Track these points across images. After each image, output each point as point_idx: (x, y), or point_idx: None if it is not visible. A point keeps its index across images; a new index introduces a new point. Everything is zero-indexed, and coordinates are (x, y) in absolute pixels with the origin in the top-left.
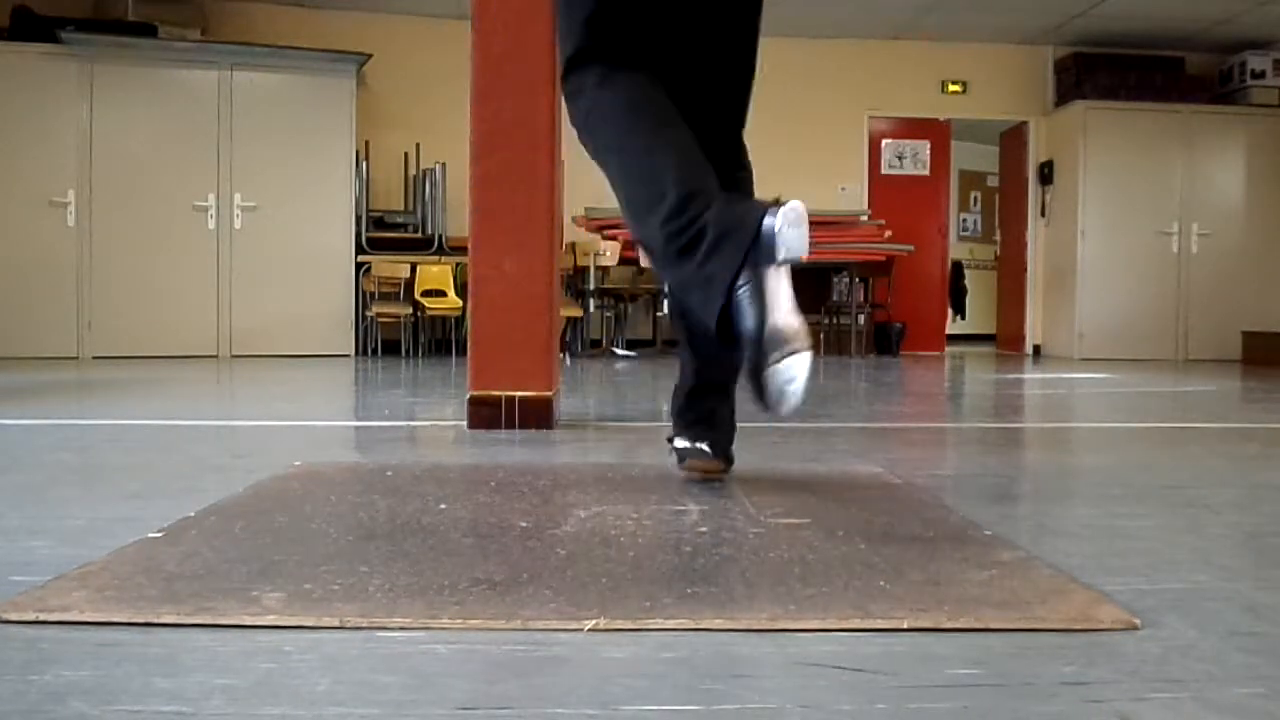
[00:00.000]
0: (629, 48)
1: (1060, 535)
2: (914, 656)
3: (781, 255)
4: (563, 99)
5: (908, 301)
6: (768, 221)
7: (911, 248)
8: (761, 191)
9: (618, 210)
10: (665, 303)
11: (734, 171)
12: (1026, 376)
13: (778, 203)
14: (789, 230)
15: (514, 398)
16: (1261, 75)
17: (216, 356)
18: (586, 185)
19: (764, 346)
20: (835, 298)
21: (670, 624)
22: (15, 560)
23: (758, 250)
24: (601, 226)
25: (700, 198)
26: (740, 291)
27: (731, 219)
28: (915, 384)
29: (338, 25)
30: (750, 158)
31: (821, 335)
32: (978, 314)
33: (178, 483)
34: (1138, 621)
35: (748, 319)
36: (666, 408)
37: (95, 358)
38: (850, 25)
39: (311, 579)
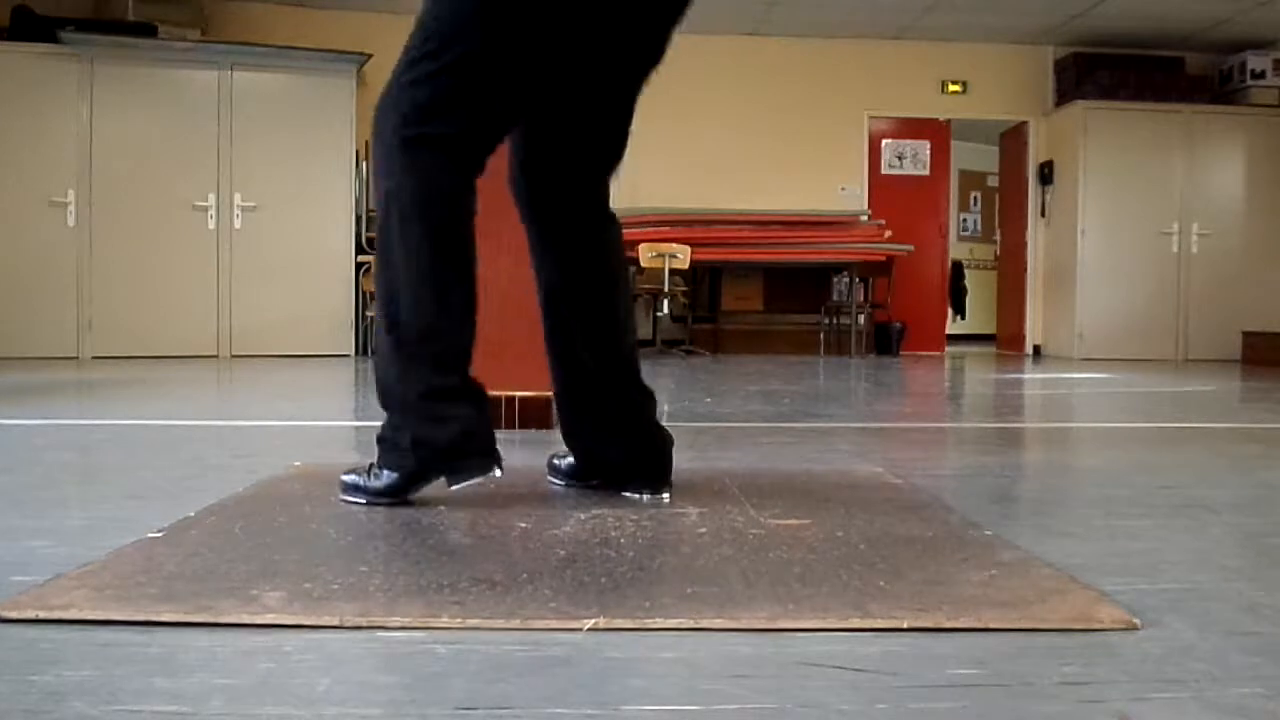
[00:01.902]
0: (505, 111)
1: (1060, 535)
2: (914, 656)
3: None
4: (391, 132)
5: (908, 301)
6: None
7: (911, 248)
8: (761, 192)
9: (617, 210)
10: (665, 304)
11: (601, 223)
12: (1026, 376)
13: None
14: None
15: (514, 398)
16: (1261, 75)
17: (216, 356)
18: None
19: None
20: (835, 298)
21: (670, 624)
22: (15, 560)
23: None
24: None
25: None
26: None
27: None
28: (915, 384)
29: (338, 25)
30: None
31: (821, 335)
32: (978, 314)
33: (178, 483)
34: (1138, 621)
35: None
36: (668, 408)
37: (95, 358)
38: (850, 25)
39: (311, 579)
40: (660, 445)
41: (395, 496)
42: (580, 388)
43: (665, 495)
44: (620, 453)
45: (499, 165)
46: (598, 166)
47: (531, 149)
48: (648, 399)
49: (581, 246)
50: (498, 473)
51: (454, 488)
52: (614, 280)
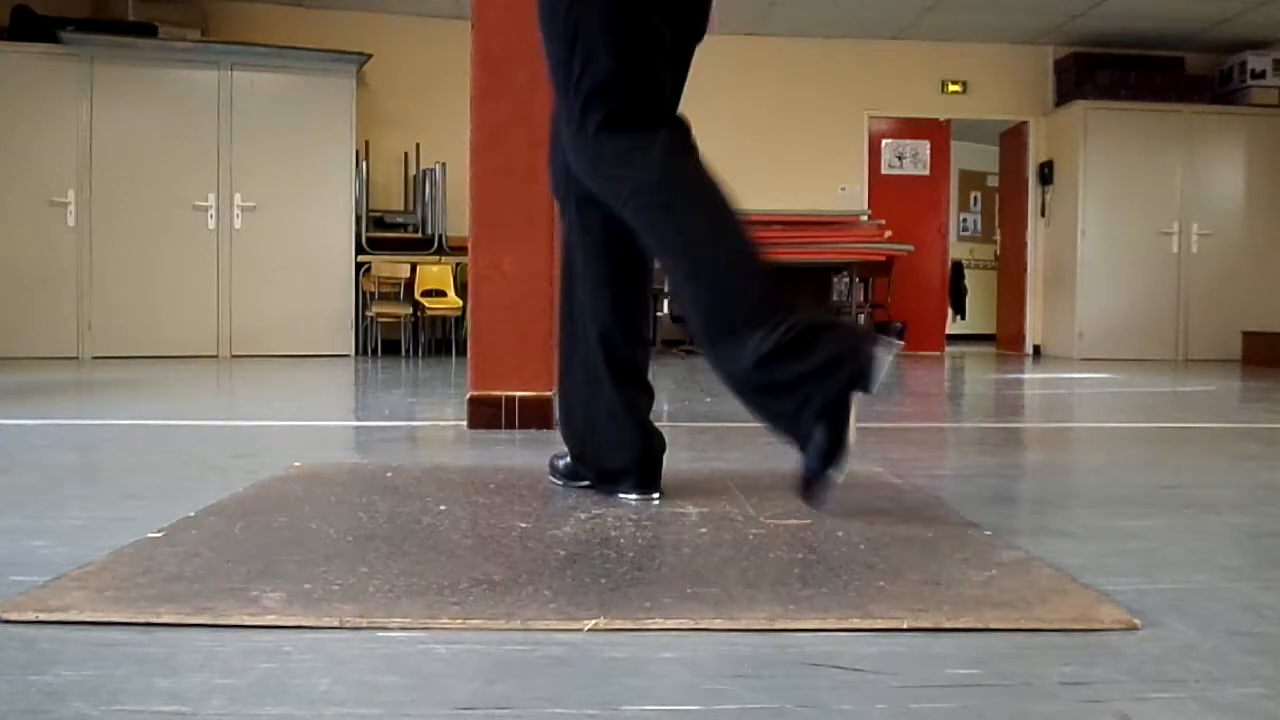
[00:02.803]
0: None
1: (1060, 535)
2: (914, 656)
3: (873, 389)
4: (592, 136)
5: (908, 301)
6: (878, 356)
7: (911, 248)
8: (761, 192)
9: None
10: (666, 304)
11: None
12: (1026, 376)
13: (879, 333)
14: (885, 366)
15: (514, 398)
16: (1261, 75)
17: (216, 356)
18: None
19: (831, 461)
20: (835, 298)
21: (670, 624)
22: (15, 560)
23: (858, 382)
24: None
25: (789, 308)
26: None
27: (843, 344)
28: (915, 384)
29: (338, 25)
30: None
31: None
32: (978, 314)
33: (178, 483)
34: (1138, 621)
35: (821, 435)
36: (667, 408)
37: (95, 358)
38: (850, 25)
39: (311, 579)
40: (652, 447)
41: (838, 445)
42: (585, 382)
43: (655, 496)
44: (613, 453)
45: (504, 165)
46: None
47: None
48: (648, 399)
49: (618, 246)
50: (892, 350)
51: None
52: (645, 278)
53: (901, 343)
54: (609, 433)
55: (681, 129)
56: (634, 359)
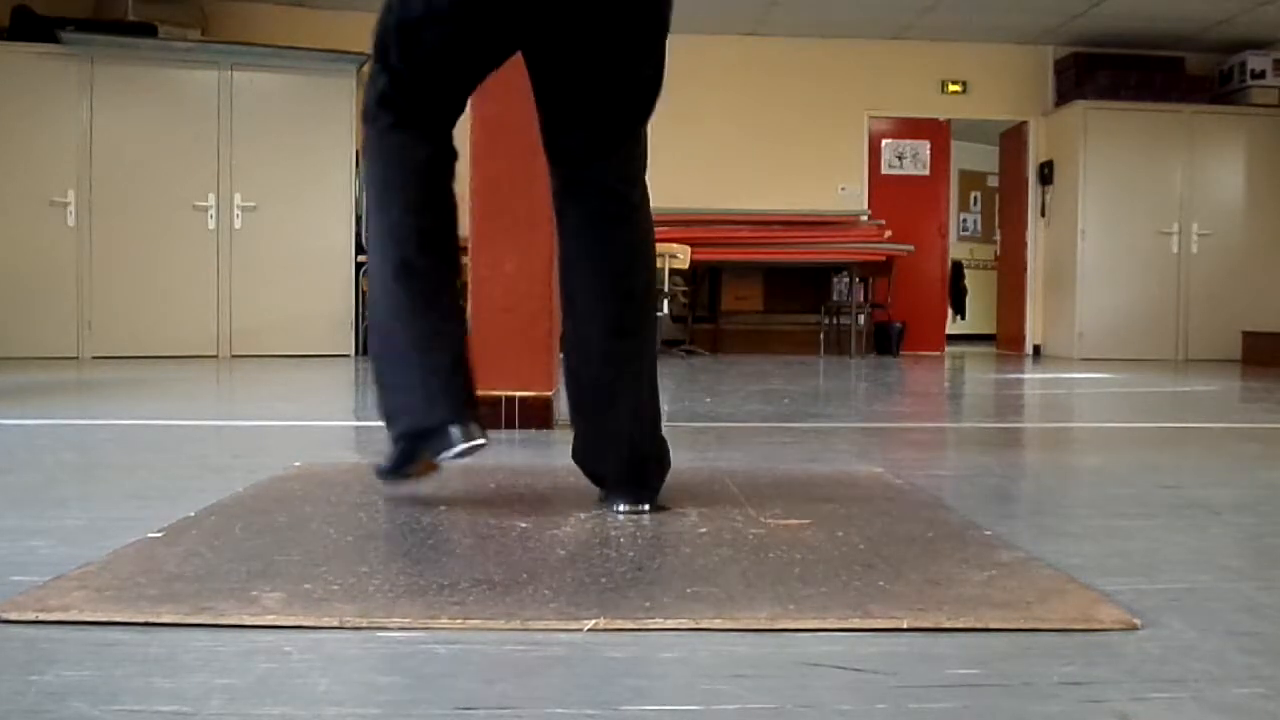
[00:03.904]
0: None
1: (1060, 535)
2: (914, 656)
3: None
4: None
5: (908, 301)
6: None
7: (911, 248)
8: (761, 192)
9: None
10: (665, 303)
11: (607, 205)
12: (1026, 376)
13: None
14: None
15: (514, 398)
16: (1261, 75)
17: (216, 356)
18: None
19: (391, 474)
20: (835, 298)
21: (670, 624)
22: (15, 560)
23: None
24: None
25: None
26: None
27: (419, 422)
28: (915, 384)
29: (338, 25)
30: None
31: (821, 335)
32: (978, 314)
33: (178, 483)
34: (1138, 621)
35: (395, 451)
36: (667, 408)
37: (95, 358)
38: (850, 25)
39: (311, 579)
40: (643, 457)
41: (395, 476)
42: (581, 380)
43: (644, 507)
44: (606, 459)
45: (504, 167)
46: (597, 129)
47: (541, 113)
48: (648, 404)
49: (591, 227)
50: (481, 441)
51: (441, 458)
52: (622, 268)
53: (480, 442)
54: (603, 434)
55: (449, 147)
56: (631, 359)
